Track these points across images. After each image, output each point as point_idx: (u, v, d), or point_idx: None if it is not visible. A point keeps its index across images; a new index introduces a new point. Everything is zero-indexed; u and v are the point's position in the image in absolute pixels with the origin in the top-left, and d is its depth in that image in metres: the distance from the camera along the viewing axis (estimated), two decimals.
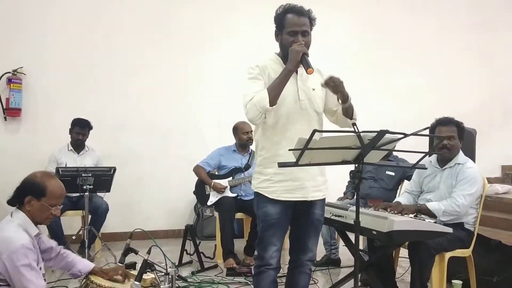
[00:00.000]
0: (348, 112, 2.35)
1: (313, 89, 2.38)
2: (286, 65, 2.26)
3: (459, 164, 3.21)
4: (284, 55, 2.34)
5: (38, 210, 2.15)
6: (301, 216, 2.41)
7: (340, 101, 2.29)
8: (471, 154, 3.88)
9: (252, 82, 2.31)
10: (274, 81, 2.25)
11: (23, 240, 2.03)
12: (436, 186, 3.28)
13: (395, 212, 2.95)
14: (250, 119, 2.28)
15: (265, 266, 2.34)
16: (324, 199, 2.47)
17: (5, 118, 4.88)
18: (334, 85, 2.22)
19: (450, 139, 3.18)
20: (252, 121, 2.28)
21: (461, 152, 3.27)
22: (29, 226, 2.13)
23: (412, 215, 2.90)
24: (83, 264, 2.43)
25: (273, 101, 2.20)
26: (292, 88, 2.32)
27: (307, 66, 2.19)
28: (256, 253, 2.46)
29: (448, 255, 3.05)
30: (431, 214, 3.04)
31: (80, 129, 4.57)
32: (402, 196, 3.53)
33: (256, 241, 2.41)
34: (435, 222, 2.83)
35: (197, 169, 4.45)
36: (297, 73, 2.36)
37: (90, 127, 4.63)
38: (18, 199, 2.15)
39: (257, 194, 2.40)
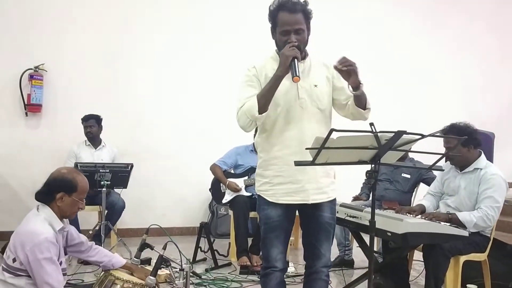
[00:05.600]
0: (361, 101, 2.18)
1: (315, 86, 2.23)
2: (276, 71, 2.12)
3: (480, 169, 3.10)
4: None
5: (69, 205, 2.21)
6: (310, 220, 2.31)
7: (351, 88, 2.13)
8: (488, 158, 3.83)
9: (246, 86, 2.23)
10: (263, 88, 2.15)
11: (47, 234, 2.08)
12: (456, 190, 3.20)
13: (425, 218, 2.89)
14: (241, 127, 2.20)
15: (271, 268, 2.27)
16: (332, 201, 2.32)
17: (26, 113, 4.98)
18: (347, 68, 2.08)
19: (451, 150, 3.03)
20: (243, 128, 2.20)
21: (482, 156, 3.16)
22: (54, 220, 2.18)
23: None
24: (116, 259, 2.48)
25: (262, 108, 2.11)
26: (292, 86, 2.19)
27: (294, 74, 2.06)
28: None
29: (463, 258, 3.02)
30: (461, 225, 2.93)
31: (85, 122, 4.65)
32: (425, 199, 3.43)
33: (260, 243, 2.37)
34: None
35: (213, 168, 4.49)
36: None
37: (98, 120, 4.69)
38: (48, 195, 2.20)
39: (259, 196, 2.33)
